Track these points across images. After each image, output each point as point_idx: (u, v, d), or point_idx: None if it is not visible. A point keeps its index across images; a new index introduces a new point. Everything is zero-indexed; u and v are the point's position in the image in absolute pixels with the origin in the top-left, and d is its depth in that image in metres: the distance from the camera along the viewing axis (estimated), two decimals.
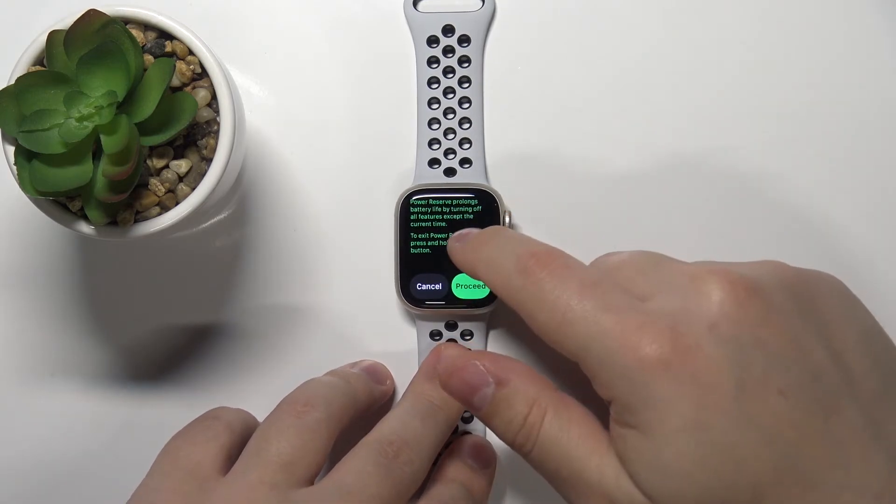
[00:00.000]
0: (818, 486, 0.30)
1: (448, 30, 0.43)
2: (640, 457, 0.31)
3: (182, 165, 0.37)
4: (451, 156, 0.43)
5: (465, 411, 0.43)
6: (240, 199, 0.44)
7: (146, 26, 0.37)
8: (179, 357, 0.44)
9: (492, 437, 0.43)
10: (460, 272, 0.41)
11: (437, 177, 0.43)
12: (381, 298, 0.43)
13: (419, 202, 0.42)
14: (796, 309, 0.32)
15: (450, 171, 0.43)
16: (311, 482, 0.36)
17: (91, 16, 0.35)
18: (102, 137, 0.34)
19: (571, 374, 0.43)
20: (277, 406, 0.38)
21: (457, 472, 0.40)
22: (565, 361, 0.44)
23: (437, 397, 0.40)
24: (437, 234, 0.42)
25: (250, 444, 0.37)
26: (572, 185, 0.43)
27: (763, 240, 0.43)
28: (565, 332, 0.33)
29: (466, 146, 0.43)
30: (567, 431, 0.34)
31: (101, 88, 0.35)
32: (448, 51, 0.43)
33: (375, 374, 0.42)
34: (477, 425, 0.43)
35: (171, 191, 0.37)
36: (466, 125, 0.43)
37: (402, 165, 0.43)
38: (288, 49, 0.44)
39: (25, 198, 0.36)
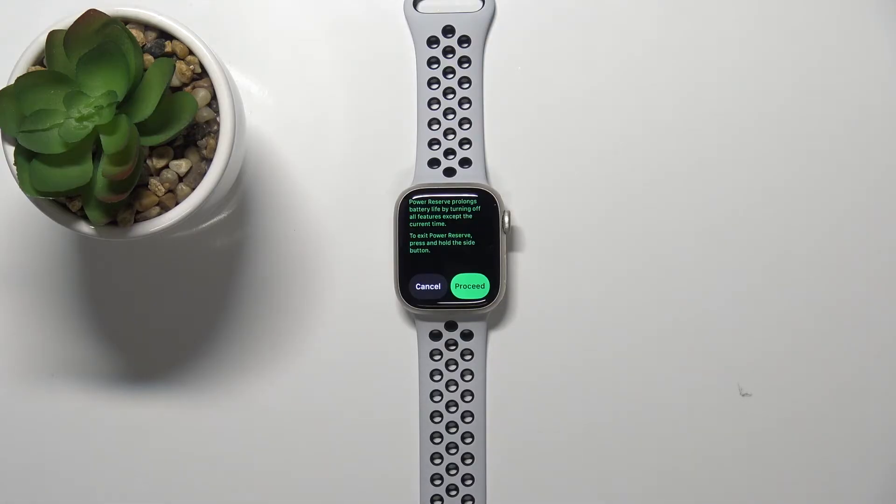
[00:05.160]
0: None
1: (448, 30, 0.43)
2: None
3: (182, 165, 0.37)
4: (450, 156, 0.43)
5: (464, 409, 0.43)
6: (240, 199, 0.44)
7: (146, 26, 0.37)
8: (179, 357, 0.44)
9: (491, 433, 0.43)
10: (459, 272, 0.41)
11: (436, 177, 0.43)
12: (381, 298, 0.43)
13: (418, 202, 0.42)
14: None
15: (449, 172, 0.43)
16: None
17: (91, 16, 0.35)
18: (102, 137, 0.34)
19: (571, 376, 0.43)
20: None
21: None
22: (565, 362, 0.45)
23: None
24: (437, 234, 0.42)
25: None
26: (572, 185, 0.43)
27: (762, 238, 0.43)
28: None
29: (466, 146, 0.43)
30: None
31: (100, 88, 0.35)
32: (448, 51, 0.43)
33: None
34: (477, 424, 0.43)
35: (171, 191, 0.37)
36: (466, 126, 0.43)
37: (401, 165, 0.43)
38: (288, 49, 0.44)
39: (25, 198, 0.36)
